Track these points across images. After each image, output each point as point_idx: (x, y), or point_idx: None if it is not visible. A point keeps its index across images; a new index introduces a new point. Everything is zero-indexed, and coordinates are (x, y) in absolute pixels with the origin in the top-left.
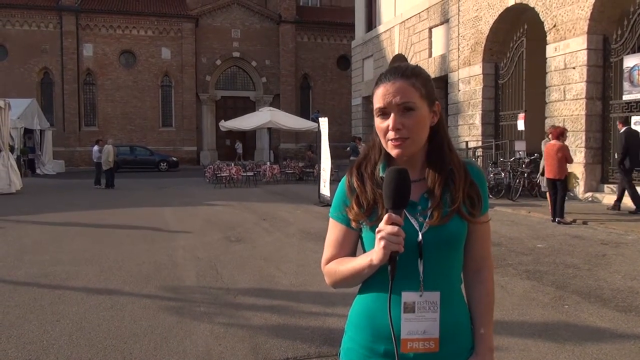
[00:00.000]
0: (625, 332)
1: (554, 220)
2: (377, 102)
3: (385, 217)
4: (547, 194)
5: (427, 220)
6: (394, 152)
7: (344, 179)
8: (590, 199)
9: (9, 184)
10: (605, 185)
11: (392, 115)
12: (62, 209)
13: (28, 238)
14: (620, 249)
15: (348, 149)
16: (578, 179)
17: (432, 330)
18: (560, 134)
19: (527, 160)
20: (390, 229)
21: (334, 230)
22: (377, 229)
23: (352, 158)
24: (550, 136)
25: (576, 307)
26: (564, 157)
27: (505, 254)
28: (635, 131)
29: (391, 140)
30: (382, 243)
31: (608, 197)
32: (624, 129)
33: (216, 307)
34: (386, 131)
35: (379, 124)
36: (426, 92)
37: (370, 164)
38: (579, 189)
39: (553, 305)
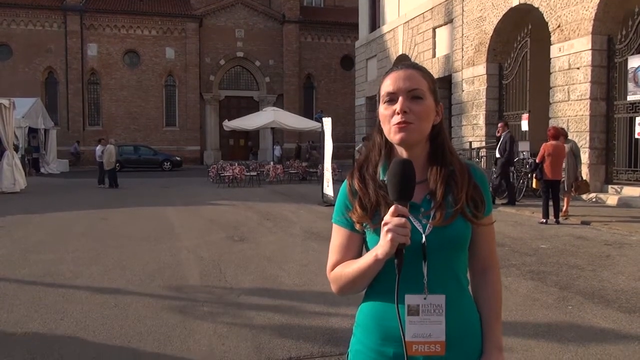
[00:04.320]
0: (629, 332)
1: (545, 222)
2: (386, 88)
3: (392, 209)
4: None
5: (430, 221)
6: (397, 137)
7: (345, 183)
8: (594, 199)
9: (14, 183)
10: (610, 186)
11: (400, 98)
12: (66, 208)
13: (32, 237)
14: (624, 250)
15: (360, 146)
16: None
17: (438, 333)
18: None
19: (530, 160)
20: (397, 220)
21: (337, 235)
22: (383, 222)
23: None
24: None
25: (580, 308)
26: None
27: (508, 254)
28: (514, 136)
29: (396, 124)
30: (390, 235)
31: (612, 198)
32: (506, 132)
33: (219, 307)
34: (391, 117)
35: (384, 110)
36: (433, 87)
37: (372, 165)
38: None
39: (557, 306)
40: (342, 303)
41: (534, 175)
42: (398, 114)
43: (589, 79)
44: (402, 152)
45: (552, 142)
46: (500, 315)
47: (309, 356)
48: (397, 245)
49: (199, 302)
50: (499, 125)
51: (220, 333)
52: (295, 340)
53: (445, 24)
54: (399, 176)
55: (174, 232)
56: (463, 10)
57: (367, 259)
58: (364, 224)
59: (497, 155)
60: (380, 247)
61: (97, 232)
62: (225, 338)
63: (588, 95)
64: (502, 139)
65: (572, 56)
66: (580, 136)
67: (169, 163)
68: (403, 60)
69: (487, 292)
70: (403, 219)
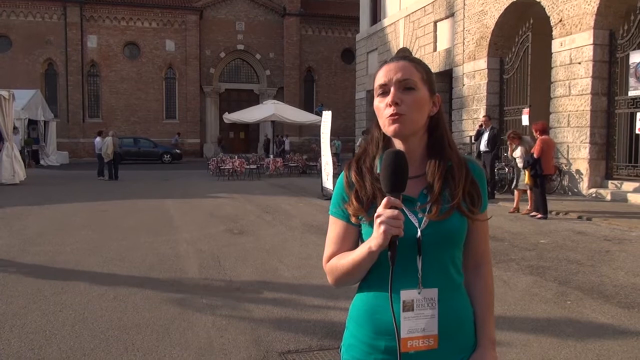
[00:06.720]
0: (628, 328)
1: (544, 217)
2: (379, 80)
3: (384, 200)
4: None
5: (426, 214)
6: (390, 129)
7: (342, 174)
8: (594, 195)
9: (13, 174)
10: (610, 182)
11: (392, 90)
12: (65, 200)
13: (31, 229)
14: (623, 246)
15: (360, 141)
16: None
17: (431, 327)
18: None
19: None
20: (390, 212)
21: (334, 227)
22: (376, 214)
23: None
24: (537, 133)
25: (579, 303)
26: None
27: (508, 249)
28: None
29: (388, 116)
30: (382, 227)
31: (612, 193)
32: (490, 126)
33: (218, 299)
34: (385, 109)
35: (379, 103)
36: (427, 78)
37: (369, 158)
38: (583, 185)
39: (555, 301)
40: (341, 296)
41: (528, 170)
42: (390, 105)
43: (590, 74)
44: (398, 145)
45: (545, 136)
46: (493, 310)
47: (307, 349)
48: (390, 237)
49: (197, 294)
50: (482, 118)
51: (219, 326)
52: (294, 333)
53: (447, 17)
54: (391, 167)
55: (174, 224)
56: (464, 3)
57: (361, 251)
58: (360, 217)
59: (484, 148)
60: (374, 239)
61: (97, 224)
62: (224, 331)
63: (589, 90)
64: (488, 133)
65: (573, 51)
66: (581, 131)
67: (168, 155)
68: (404, 54)
69: (481, 287)
70: (396, 211)
